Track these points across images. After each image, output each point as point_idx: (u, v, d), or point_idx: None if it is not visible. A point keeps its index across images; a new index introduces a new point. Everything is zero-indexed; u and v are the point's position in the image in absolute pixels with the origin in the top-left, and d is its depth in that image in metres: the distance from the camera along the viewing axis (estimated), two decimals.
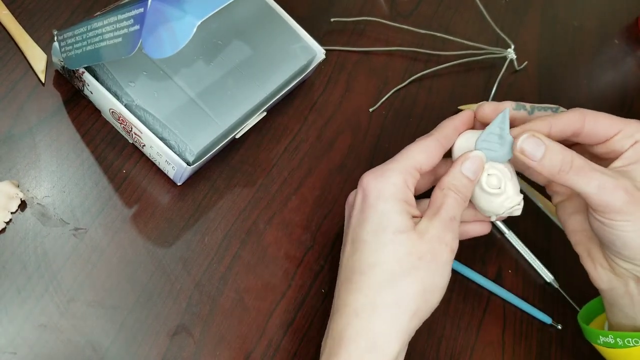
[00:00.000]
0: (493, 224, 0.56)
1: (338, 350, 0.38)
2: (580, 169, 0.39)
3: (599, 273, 0.45)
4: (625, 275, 0.43)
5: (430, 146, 0.42)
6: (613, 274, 0.44)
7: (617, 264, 0.43)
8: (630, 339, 0.42)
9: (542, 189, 0.59)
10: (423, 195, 0.46)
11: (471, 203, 0.44)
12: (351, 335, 0.38)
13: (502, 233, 0.56)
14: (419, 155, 0.42)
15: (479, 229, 0.46)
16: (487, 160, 0.42)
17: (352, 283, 0.39)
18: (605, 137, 0.42)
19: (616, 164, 0.41)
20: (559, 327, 0.53)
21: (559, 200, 0.47)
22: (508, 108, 0.42)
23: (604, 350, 0.45)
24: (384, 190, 0.40)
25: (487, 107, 0.43)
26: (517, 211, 0.43)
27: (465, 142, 0.43)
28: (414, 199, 0.42)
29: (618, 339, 0.43)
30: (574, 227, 0.46)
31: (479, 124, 0.45)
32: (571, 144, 0.44)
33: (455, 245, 0.40)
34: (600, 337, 0.45)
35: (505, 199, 0.42)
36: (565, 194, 0.47)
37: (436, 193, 0.41)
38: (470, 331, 0.50)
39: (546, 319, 0.53)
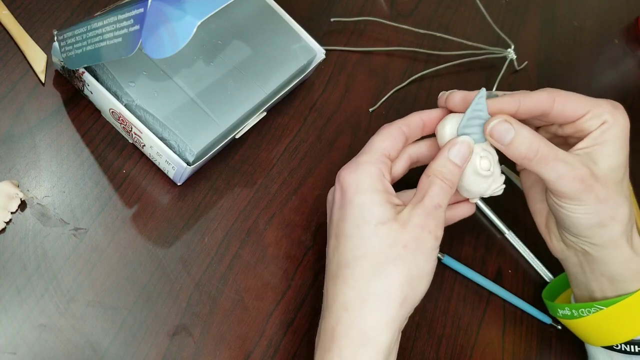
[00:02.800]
0: (492, 224, 0.56)
1: (331, 346, 0.38)
2: (543, 159, 0.41)
3: (554, 243, 0.48)
4: (573, 248, 0.46)
5: (393, 133, 0.43)
6: (565, 245, 0.47)
7: (566, 237, 0.46)
8: (583, 309, 0.46)
9: None
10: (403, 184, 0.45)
11: None
12: (342, 330, 0.38)
13: (502, 233, 0.56)
14: (384, 142, 0.43)
15: (464, 211, 0.46)
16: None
17: (339, 277, 0.39)
18: (574, 117, 0.43)
19: (581, 144, 0.43)
20: (559, 327, 0.53)
21: (522, 168, 0.49)
22: (483, 88, 0.42)
23: (565, 322, 0.49)
24: (361, 182, 0.41)
25: (456, 96, 0.43)
26: (501, 190, 0.44)
27: (450, 127, 0.43)
28: (391, 187, 0.42)
29: (573, 311, 0.47)
30: (534, 197, 0.49)
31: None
32: (541, 124, 0.46)
33: (439, 233, 0.40)
34: (559, 310, 0.49)
35: (493, 180, 0.43)
36: None
37: (422, 179, 0.41)
38: (470, 331, 0.50)
39: (546, 319, 0.53)
